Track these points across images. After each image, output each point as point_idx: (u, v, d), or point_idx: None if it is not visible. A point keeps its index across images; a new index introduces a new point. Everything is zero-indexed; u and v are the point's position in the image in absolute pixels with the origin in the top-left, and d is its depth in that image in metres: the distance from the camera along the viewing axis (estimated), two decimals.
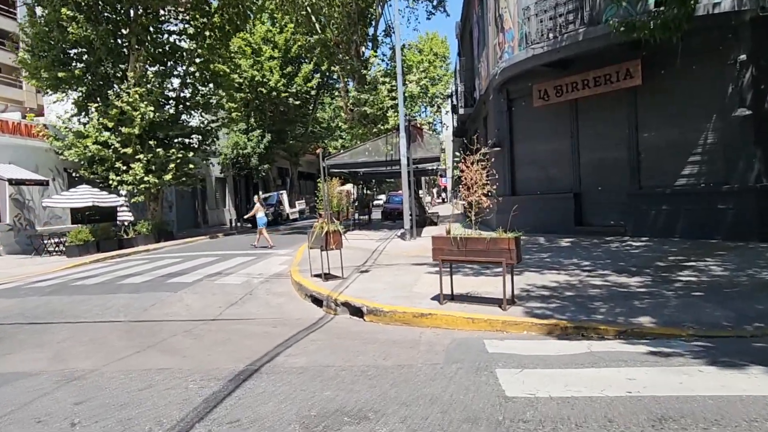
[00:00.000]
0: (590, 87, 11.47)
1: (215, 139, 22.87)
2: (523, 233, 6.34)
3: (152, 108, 17.08)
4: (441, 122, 52.00)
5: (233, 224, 27.40)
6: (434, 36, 51.93)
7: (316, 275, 8.47)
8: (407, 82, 19.90)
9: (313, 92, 33.52)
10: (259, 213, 14.94)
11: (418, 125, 14.57)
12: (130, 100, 17.06)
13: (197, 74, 21.82)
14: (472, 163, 6.06)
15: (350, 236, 17.52)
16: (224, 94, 27.83)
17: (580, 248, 10.31)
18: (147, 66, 19.55)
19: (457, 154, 31.75)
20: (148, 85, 17.79)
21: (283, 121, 34.62)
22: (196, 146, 21.80)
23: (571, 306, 5.64)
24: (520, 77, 13.21)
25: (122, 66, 18.40)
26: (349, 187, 36.44)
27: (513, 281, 5.95)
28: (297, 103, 32.64)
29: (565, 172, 12.88)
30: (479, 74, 16.53)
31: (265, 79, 30.72)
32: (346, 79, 19.79)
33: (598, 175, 12.16)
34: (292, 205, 33.21)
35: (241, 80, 30.16)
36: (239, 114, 32.12)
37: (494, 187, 6.68)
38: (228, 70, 23.98)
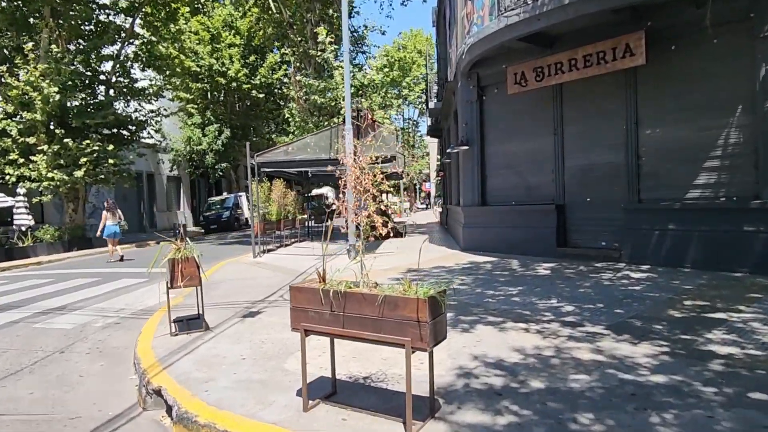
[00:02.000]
0: (578, 68, 8.92)
1: (154, 132, 20.00)
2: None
3: (56, 89, 14.18)
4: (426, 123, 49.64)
5: (178, 230, 24.45)
6: (419, 33, 49.74)
7: (178, 320, 5.77)
8: (370, 68, 17.34)
9: (281, 85, 30.72)
10: (109, 221, 12.06)
11: (370, 116, 11.96)
12: (31, 79, 14.16)
13: (136, 57, 18.97)
14: (362, 167, 3.44)
15: (290, 250, 14.86)
16: (177, 82, 24.93)
17: (563, 280, 7.71)
18: (67, 44, 16.67)
19: (439, 157, 29.04)
20: (61, 64, 14.88)
21: (247, 117, 31.74)
22: (128, 139, 18.93)
23: (537, 424, 2.99)
24: (492, 59, 10.62)
25: (34, 40, 15.50)
26: (325, 190, 33.73)
27: (432, 373, 3.25)
28: (261, 96, 29.79)
29: (547, 178, 10.31)
30: (450, 61, 13.99)
31: (224, 68, 27.87)
32: (298, 65, 17.10)
33: (587, 183, 9.61)
34: None
35: (198, 68, 27.31)
36: (195, 106, 29.23)
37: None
38: (175, 53, 21.16)
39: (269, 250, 14.30)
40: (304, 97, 16.22)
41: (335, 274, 3.41)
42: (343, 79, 15.98)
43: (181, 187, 30.79)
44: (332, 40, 15.20)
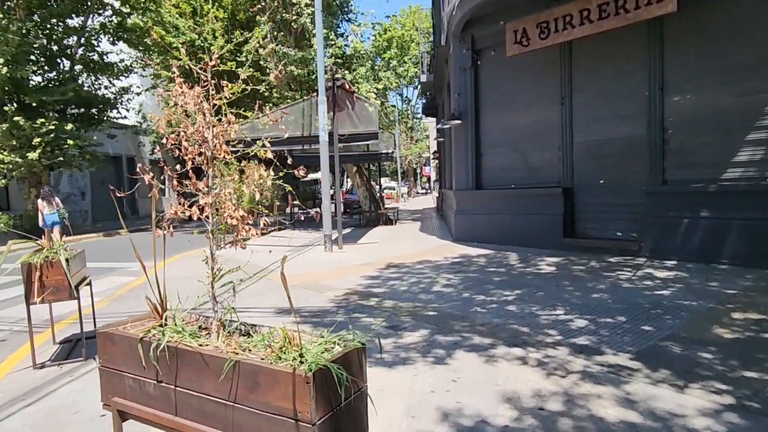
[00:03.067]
0: (592, 21, 7.32)
1: (135, 113, 18.52)
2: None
3: (0, 61, 12.65)
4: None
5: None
6: (418, 9, 47.67)
7: (66, 340, 4.39)
8: (353, 33, 15.67)
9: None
10: (45, 210, 10.61)
11: (347, 87, 10.39)
12: None
13: (103, 28, 17.38)
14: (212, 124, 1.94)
15: (263, 240, 13.43)
16: (156, 59, 23.38)
17: (571, 280, 6.25)
18: (28, 14, 15.08)
19: (436, 137, 27.49)
20: (8, 33, 13.31)
21: (234, 97, 30.06)
22: (96, 118, 17.44)
23: None
24: (488, 15, 9.02)
25: None
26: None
27: None
28: (249, 72, 27.99)
29: (552, 156, 8.79)
30: (442, 24, 12.35)
31: (207, 44, 26.15)
32: (275, 34, 15.45)
33: (601, 162, 8.09)
34: None
35: (179, 45, 25.62)
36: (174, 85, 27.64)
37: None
38: (151, 25, 19.53)
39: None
40: (279, 68, 14.67)
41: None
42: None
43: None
44: (309, 2, 13.54)
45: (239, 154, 2.25)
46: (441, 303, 5.52)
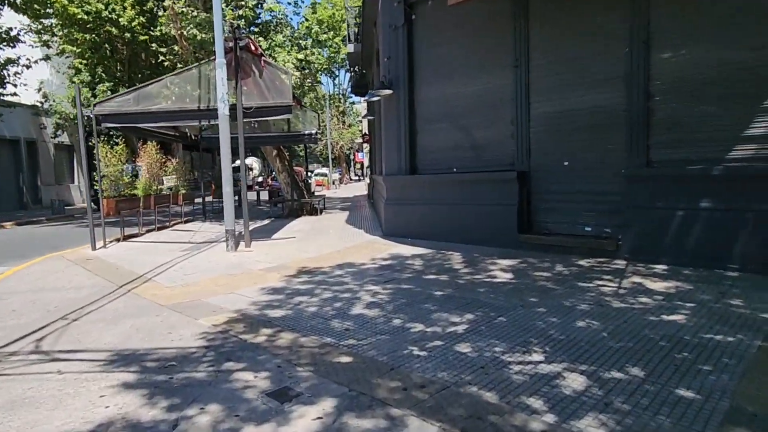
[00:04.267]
0: None
1: (36, 91, 15.17)
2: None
3: None
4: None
5: (55, 205, 19.03)
6: None
7: None
8: None
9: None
10: None
11: (254, 48, 8.09)
12: None
13: None
14: None
15: (161, 236, 10.68)
16: (58, 31, 19.92)
17: (539, 296, 4.43)
18: None
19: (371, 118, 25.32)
20: None
21: (149, 74, 26.34)
22: None
23: None
24: None
25: None
26: (251, 161, 29.07)
27: None
28: (163, 50, 24.52)
29: (504, 133, 7.03)
30: None
31: (115, 15, 22.49)
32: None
33: (565, 140, 6.41)
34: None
35: (85, 16, 21.83)
36: (84, 61, 23.71)
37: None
38: None
39: (129, 237, 10.22)
40: (180, 31, 12.00)
41: None
42: (226, 6, 11.97)
43: (75, 157, 25.33)
44: None
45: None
46: (361, 338, 3.55)
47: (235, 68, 8.15)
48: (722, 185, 5.07)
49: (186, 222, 13.11)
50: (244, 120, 8.44)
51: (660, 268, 5.30)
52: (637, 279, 4.92)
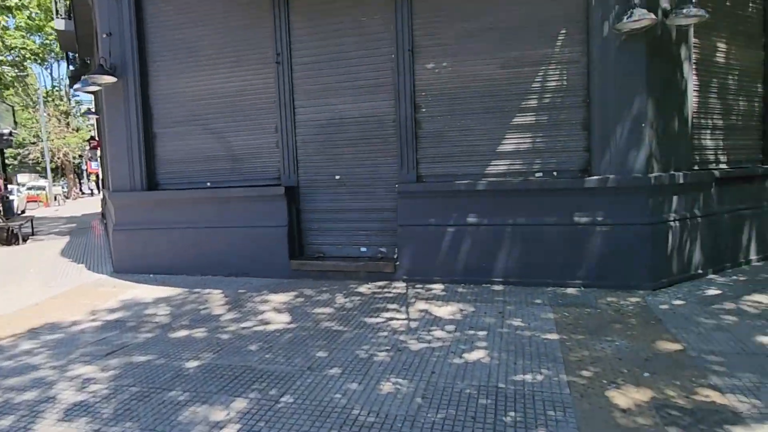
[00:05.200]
0: None
1: None
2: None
3: None
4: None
5: None
6: None
7: None
8: None
9: None
10: None
11: None
12: None
13: None
14: None
15: None
16: None
17: (326, 345, 3.54)
18: None
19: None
20: None
21: None
22: None
23: None
24: None
25: None
26: None
27: None
28: None
29: (266, 141, 6.00)
30: None
31: None
32: None
33: (336, 151, 5.75)
34: None
35: None
36: None
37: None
38: None
39: None
40: None
41: None
42: None
43: None
44: None
45: None
46: None
47: None
48: (486, 200, 5.13)
49: None
50: None
51: (437, 288, 5.08)
52: (421, 305, 4.53)
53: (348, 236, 5.76)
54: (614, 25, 4.58)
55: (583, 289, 4.79)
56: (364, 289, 5.18)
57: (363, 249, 5.73)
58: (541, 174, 5.08)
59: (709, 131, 5.45)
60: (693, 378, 2.86)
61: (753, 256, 5.68)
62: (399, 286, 5.20)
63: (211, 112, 6.15)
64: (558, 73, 4.99)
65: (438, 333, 3.77)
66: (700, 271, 5.09)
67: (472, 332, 3.75)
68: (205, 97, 6.15)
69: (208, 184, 6.21)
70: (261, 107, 5.94)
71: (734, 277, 5.11)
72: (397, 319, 4.15)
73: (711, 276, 5.15)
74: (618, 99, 4.71)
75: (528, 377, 2.94)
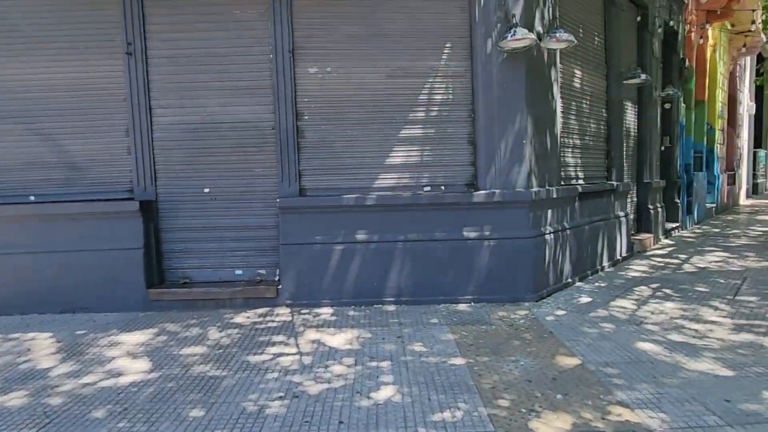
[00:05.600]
0: None
1: None
2: None
3: None
4: None
5: None
6: None
7: None
8: None
9: None
10: None
11: None
12: None
13: None
14: None
15: None
16: None
17: (189, 396, 2.87)
18: None
19: None
20: None
21: None
22: None
23: None
24: None
25: None
26: None
27: None
28: None
29: (116, 148, 4.98)
30: None
31: None
32: None
33: (205, 160, 4.98)
34: None
35: None
36: None
37: None
38: None
39: None
40: None
41: None
42: None
43: None
44: None
45: None
46: None
47: None
48: (375, 215, 4.85)
49: None
50: None
51: (326, 312, 4.64)
52: (312, 334, 4.05)
53: (220, 258, 5.01)
54: (497, 43, 4.67)
55: (473, 304, 4.77)
56: (242, 318, 4.51)
57: (238, 272, 5.03)
58: (429, 188, 4.97)
59: (570, 150, 5.91)
60: (601, 395, 2.86)
61: (605, 263, 6.30)
62: (283, 313, 4.64)
63: (37, 107, 4.91)
64: (444, 86, 4.95)
65: (337, 368, 3.34)
66: (569, 280, 5.45)
67: (374, 364, 3.39)
68: (29, 86, 4.89)
69: (32, 198, 4.94)
70: (107, 105, 4.90)
71: (596, 284, 5.56)
72: (287, 355, 3.62)
73: (578, 284, 5.54)
74: (501, 115, 4.81)
75: (447, 415, 2.67)
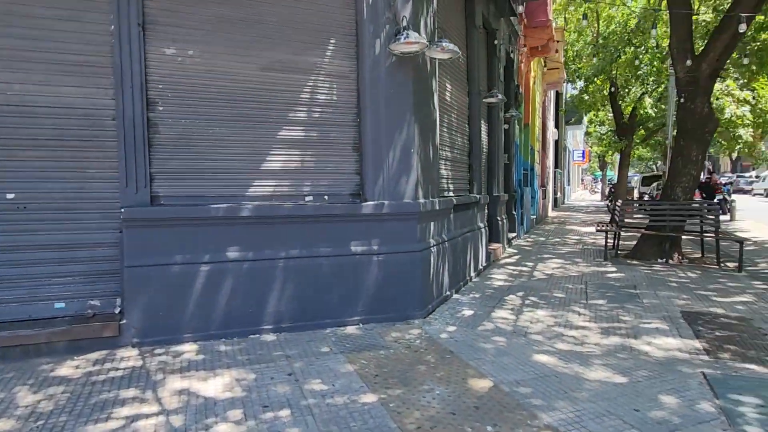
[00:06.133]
0: None
1: None
2: None
3: None
4: None
5: None
6: None
7: None
8: None
9: None
10: None
11: None
12: None
13: None
14: None
15: None
16: None
17: None
18: None
19: None
20: None
21: None
22: None
23: None
24: None
25: None
26: None
27: None
28: None
29: None
30: None
31: None
32: None
33: (12, 156, 3.66)
34: None
35: None
36: None
37: None
38: None
39: None
40: None
41: None
42: None
43: None
44: None
45: None
46: None
47: None
48: (251, 229, 4.12)
49: None
50: None
51: (190, 350, 3.75)
52: (176, 382, 3.18)
53: (32, 287, 3.72)
54: (388, 45, 4.39)
55: (362, 325, 4.35)
56: (68, 369, 3.36)
57: (60, 305, 3.80)
58: (311, 198, 4.43)
59: (443, 161, 5.93)
60: (528, 421, 2.69)
61: (472, 273, 6.48)
62: (130, 356, 3.61)
63: None
64: (328, 86, 4.49)
65: (223, 428, 2.60)
66: (448, 293, 5.40)
67: (270, 415, 2.74)
68: None
69: None
70: None
71: (470, 295, 5.63)
72: (147, 416, 2.72)
73: (455, 296, 5.54)
74: (389, 122, 4.52)
75: None
